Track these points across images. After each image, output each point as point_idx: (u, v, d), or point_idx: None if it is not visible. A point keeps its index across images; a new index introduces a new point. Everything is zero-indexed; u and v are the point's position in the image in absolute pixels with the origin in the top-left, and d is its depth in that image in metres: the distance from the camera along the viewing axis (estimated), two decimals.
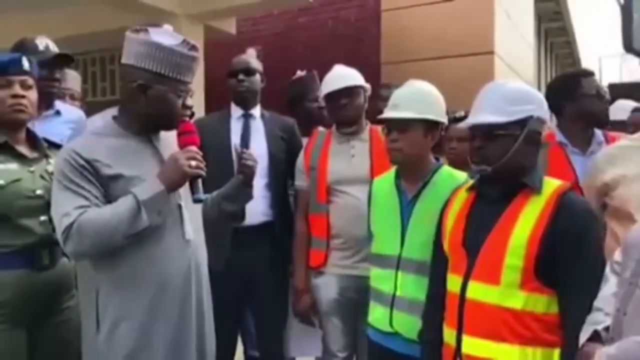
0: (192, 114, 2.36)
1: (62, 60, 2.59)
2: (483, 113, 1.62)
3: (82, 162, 1.67)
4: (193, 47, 1.75)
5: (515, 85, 1.68)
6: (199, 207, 1.92)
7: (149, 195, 1.66)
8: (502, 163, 1.57)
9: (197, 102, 4.30)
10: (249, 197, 2.18)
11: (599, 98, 2.44)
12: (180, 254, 1.78)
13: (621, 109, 3.65)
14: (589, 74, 2.54)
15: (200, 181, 1.75)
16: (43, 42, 2.55)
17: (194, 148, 1.77)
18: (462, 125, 1.67)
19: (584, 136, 2.45)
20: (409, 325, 1.94)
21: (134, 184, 1.69)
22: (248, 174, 2.09)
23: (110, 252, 1.68)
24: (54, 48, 2.58)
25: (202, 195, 1.75)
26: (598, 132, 2.47)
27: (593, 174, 1.96)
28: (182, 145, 1.78)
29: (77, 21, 6.36)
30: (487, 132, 1.60)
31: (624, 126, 3.41)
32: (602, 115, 2.45)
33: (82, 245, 1.64)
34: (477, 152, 1.62)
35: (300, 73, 3.31)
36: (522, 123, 1.58)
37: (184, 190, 1.79)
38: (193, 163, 1.72)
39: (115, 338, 1.70)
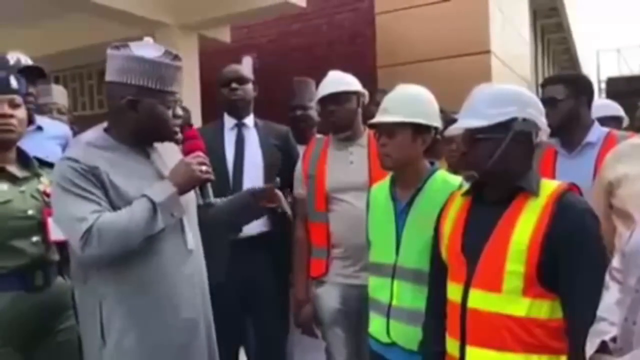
0: (189, 123, 2.37)
1: (35, 74, 2.53)
2: (463, 119, 1.60)
3: (86, 167, 1.66)
4: (176, 57, 1.76)
5: (499, 88, 1.64)
6: (195, 218, 1.91)
7: (164, 197, 1.68)
8: (488, 168, 1.54)
9: (193, 111, 4.29)
10: (260, 214, 2.18)
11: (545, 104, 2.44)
12: (185, 264, 1.79)
13: (612, 106, 3.52)
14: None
15: (209, 185, 1.84)
16: (14, 57, 2.49)
17: (201, 153, 1.82)
18: (447, 133, 1.66)
19: (566, 137, 2.43)
20: (407, 335, 1.90)
21: (130, 195, 1.69)
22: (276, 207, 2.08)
23: (122, 258, 1.68)
24: (26, 62, 2.52)
25: (212, 198, 1.82)
26: (595, 132, 2.42)
27: (602, 172, 1.91)
28: (189, 150, 1.84)
29: (68, 35, 6.34)
30: (468, 138, 1.58)
31: (618, 122, 3.34)
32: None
33: (101, 249, 1.62)
34: (463, 159, 1.60)
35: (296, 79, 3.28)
36: (506, 126, 1.54)
37: (184, 199, 1.79)
38: (204, 168, 1.77)
39: (123, 350, 1.69)
